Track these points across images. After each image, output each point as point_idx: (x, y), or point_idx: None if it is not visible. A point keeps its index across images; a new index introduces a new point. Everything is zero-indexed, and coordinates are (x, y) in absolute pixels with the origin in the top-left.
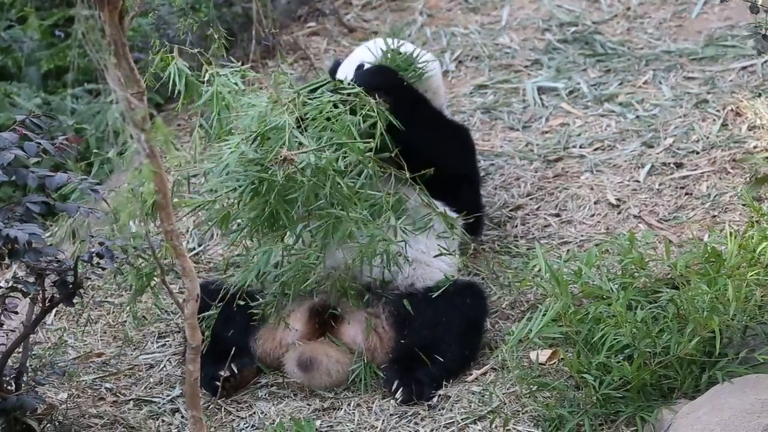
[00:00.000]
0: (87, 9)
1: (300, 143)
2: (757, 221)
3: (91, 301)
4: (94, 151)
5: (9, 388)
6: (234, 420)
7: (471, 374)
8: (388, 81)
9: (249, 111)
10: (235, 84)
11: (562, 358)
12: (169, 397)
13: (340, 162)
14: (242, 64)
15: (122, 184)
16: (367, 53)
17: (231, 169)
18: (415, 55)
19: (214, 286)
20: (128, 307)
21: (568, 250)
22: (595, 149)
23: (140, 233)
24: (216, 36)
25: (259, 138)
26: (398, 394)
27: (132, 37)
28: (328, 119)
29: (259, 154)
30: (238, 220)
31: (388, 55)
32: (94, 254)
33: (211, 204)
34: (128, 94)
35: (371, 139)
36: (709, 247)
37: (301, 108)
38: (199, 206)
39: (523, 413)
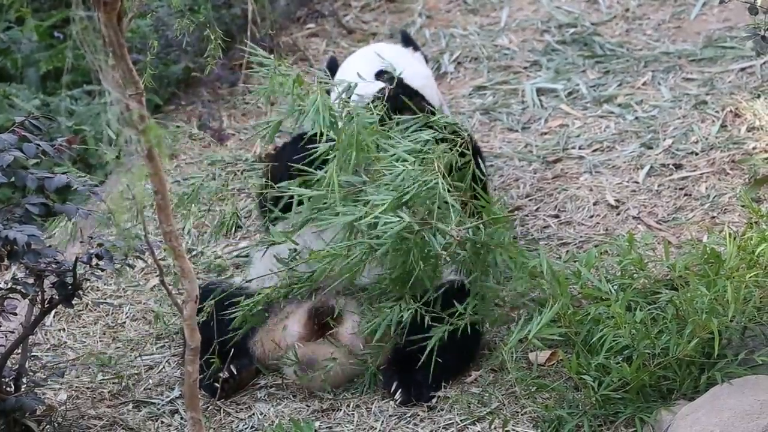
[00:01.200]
0: (85, 10)
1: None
2: (756, 222)
3: (90, 302)
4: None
5: (8, 389)
6: (233, 421)
7: (470, 375)
8: None
9: (396, 163)
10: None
11: (561, 359)
12: (168, 399)
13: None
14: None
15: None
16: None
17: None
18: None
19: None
20: None
21: (567, 251)
22: (594, 150)
23: (138, 234)
24: (212, 37)
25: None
26: (397, 396)
27: (130, 39)
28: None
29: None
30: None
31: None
32: (93, 255)
33: (342, 258)
34: (126, 95)
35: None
36: (708, 249)
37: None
38: (330, 258)
39: (522, 414)
